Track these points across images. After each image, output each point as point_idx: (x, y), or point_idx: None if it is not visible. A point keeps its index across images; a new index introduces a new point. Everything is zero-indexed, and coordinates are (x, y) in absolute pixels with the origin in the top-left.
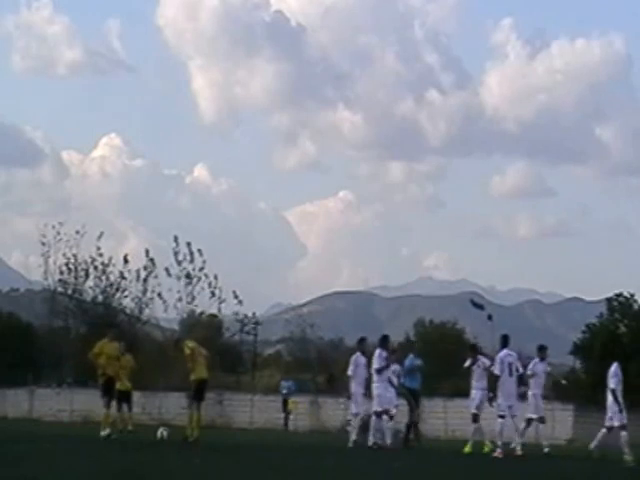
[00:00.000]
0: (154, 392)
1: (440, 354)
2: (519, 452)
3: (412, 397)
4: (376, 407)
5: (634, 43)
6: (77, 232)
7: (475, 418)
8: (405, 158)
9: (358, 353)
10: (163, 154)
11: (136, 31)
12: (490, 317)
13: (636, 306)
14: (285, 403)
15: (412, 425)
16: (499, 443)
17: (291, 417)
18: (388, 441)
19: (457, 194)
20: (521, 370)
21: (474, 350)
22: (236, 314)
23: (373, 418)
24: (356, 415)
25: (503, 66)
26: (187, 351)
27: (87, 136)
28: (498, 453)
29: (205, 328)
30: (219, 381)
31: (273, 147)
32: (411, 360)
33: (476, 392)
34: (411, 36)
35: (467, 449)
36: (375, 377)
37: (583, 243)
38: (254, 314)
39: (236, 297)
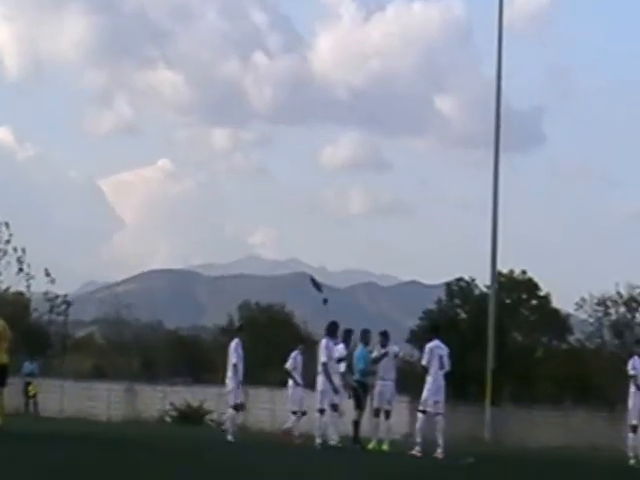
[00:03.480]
0: None
1: (268, 340)
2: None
3: (363, 393)
4: None
5: (474, 8)
6: None
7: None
8: (230, 124)
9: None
10: None
11: None
12: (325, 301)
13: (477, 292)
14: (27, 387)
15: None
16: (418, 440)
17: (36, 401)
18: None
19: (285, 165)
20: (447, 367)
21: (385, 337)
22: (46, 293)
23: None
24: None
25: (335, 28)
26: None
27: None
28: (417, 451)
29: (11, 306)
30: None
31: (85, 109)
32: (363, 350)
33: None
34: None
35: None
36: None
37: (421, 221)
38: (65, 296)
39: (48, 274)
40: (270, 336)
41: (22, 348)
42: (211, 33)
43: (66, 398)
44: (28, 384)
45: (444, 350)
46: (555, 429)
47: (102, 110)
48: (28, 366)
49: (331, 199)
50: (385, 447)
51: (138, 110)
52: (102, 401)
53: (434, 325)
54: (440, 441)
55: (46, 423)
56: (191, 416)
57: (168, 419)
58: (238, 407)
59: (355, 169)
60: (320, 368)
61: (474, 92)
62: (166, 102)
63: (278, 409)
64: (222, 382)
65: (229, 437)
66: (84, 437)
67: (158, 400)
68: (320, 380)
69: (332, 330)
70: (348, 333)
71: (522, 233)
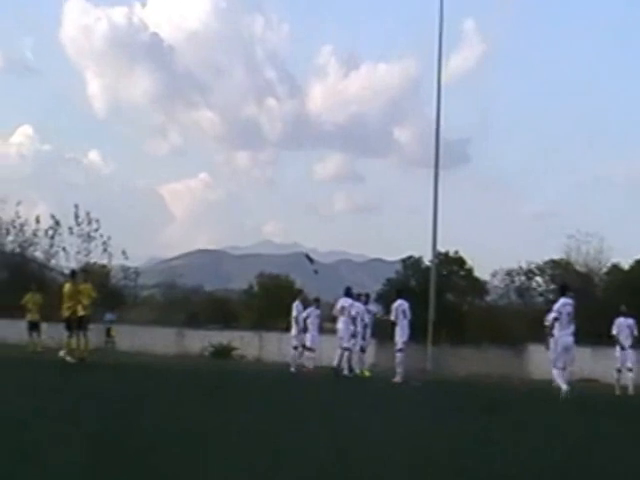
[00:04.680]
0: (58, 323)
1: (275, 299)
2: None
3: None
4: None
5: (422, 67)
6: (0, 200)
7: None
8: (250, 149)
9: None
10: (65, 141)
11: (44, 46)
12: (316, 272)
13: (423, 266)
14: (109, 331)
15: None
16: (399, 371)
17: (115, 341)
18: None
19: (289, 178)
20: (409, 316)
21: (367, 297)
22: (122, 265)
23: None
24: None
25: (324, 81)
26: (94, 294)
27: (4, 124)
28: (399, 378)
29: (97, 275)
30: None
31: (149, 137)
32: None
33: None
34: (254, 56)
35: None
36: None
37: (385, 217)
38: (136, 268)
39: (124, 254)
40: (278, 297)
41: (104, 304)
42: (237, 84)
43: (136, 338)
44: (109, 329)
45: (406, 305)
46: (477, 362)
47: (160, 138)
48: (109, 316)
49: (321, 201)
50: (367, 374)
51: (186, 139)
52: (160, 341)
53: (398, 289)
54: (399, 370)
55: (120, 356)
56: (222, 352)
57: (206, 354)
58: (298, 348)
59: (338, 181)
60: (343, 316)
61: (421, 127)
62: (206, 133)
63: (284, 348)
64: (245, 329)
65: (292, 369)
66: (147, 366)
67: (199, 340)
68: (341, 326)
69: (349, 292)
70: (366, 296)
71: (455, 226)
